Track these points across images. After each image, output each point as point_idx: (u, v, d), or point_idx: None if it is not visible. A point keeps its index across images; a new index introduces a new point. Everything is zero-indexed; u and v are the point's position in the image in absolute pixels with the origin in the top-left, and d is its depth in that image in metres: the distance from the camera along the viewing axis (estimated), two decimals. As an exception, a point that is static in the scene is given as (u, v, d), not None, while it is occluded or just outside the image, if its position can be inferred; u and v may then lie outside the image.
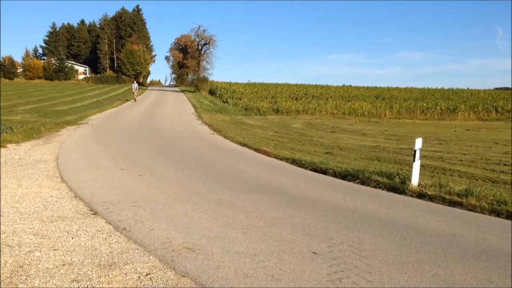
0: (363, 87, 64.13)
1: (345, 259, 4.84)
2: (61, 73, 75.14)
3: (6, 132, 14.13)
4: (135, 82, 43.98)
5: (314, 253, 5.02)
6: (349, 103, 42.57)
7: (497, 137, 24.07)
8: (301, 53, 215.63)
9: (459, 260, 4.91)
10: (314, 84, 66.69)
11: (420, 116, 39.17)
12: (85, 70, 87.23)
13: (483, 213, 7.15)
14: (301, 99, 45.48)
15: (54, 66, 76.24)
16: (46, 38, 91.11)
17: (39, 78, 73.36)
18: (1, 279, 3.91)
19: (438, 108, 40.36)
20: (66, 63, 78.24)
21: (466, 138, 22.95)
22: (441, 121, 37.27)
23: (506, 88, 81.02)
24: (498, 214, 7.06)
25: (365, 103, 42.29)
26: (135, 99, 39.27)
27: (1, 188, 7.38)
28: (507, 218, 6.91)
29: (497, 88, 79.75)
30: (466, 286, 4.20)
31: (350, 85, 67.11)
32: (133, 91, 40.51)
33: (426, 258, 4.95)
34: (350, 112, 39.08)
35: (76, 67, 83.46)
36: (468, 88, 65.53)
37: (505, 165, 13.60)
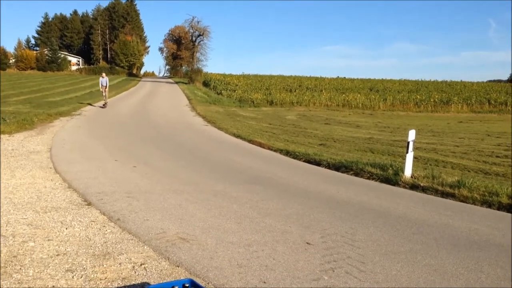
0: (357, 79, 64.15)
1: (338, 249, 4.87)
2: (54, 64, 74.60)
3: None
4: (104, 75, 25.31)
5: (307, 243, 5.05)
6: (343, 95, 42.60)
7: (489, 129, 24.22)
8: (296, 44, 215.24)
9: (450, 250, 4.96)
10: (308, 76, 66.64)
11: (414, 108, 39.29)
12: (78, 61, 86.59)
13: (475, 204, 7.21)
14: (295, 91, 45.46)
15: (47, 57, 75.65)
16: (39, 28, 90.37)
17: (32, 69, 72.81)
18: (-5, 269, 3.91)
19: (431, 100, 40.50)
20: (59, 54, 77.61)
21: (459, 130, 23.07)
22: (435, 113, 37.42)
23: (499, 81, 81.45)
24: (489, 205, 7.13)
25: (359, 95, 42.34)
26: (105, 103, 24.34)
27: (-6, 178, 7.36)
28: (498, 209, 6.98)
29: (490, 81, 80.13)
30: (457, 276, 4.24)
31: (344, 77, 67.13)
32: (101, 89, 24.48)
33: (418, 248, 5.00)
34: (344, 104, 39.11)
35: (69, 58, 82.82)
36: (461, 80, 65.79)
37: (497, 156, 13.70)
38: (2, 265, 4.00)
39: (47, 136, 12.89)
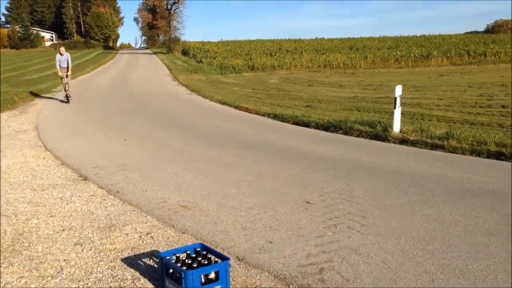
0: (337, 39, 63.88)
1: (338, 206, 4.98)
2: (27, 41, 72.52)
3: (-21, 104, 13.74)
4: (62, 50, 15.47)
5: (307, 202, 5.14)
6: (324, 55, 42.44)
7: (470, 80, 24.48)
8: (272, 6, 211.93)
9: (446, 199, 5.10)
10: (287, 38, 66.08)
11: (395, 64, 39.38)
12: (52, 36, 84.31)
13: (464, 154, 7.39)
14: (275, 55, 45.15)
15: (19, 34, 73.46)
16: (8, 5, 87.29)
17: (5, 47, 70.73)
18: (4, 247, 3.93)
19: (411, 55, 40.59)
20: (31, 30, 75.37)
21: (441, 84, 23.27)
22: (415, 68, 37.57)
23: (477, 32, 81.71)
24: (479, 154, 7.30)
25: (339, 55, 42.23)
26: (68, 95, 15.33)
27: (-15, 160, 7.28)
28: (487, 157, 7.17)
29: (467, 32, 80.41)
30: (455, 223, 4.39)
31: (323, 38, 66.74)
32: (60, 73, 15.21)
33: (415, 200, 5.13)
34: (325, 64, 39.00)
35: (42, 33, 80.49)
36: (440, 34, 65.87)
37: (480, 107, 13.92)
38: (10, 243, 4.01)
39: (31, 115, 12.69)
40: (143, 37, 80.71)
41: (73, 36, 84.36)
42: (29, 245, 3.99)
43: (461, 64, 38.82)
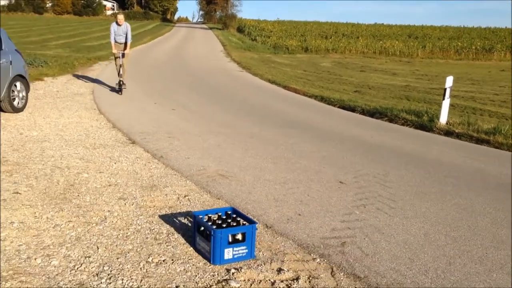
0: (396, 25, 62.09)
1: (370, 188, 5.10)
2: (89, 9, 74.88)
3: (41, 66, 14.54)
4: (120, 18, 11.08)
5: (340, 182, 5.29)
6: (380, 42, 41.49)
7: (532, 78, 23.41)
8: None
9: (480, 192, 5.12)
10: (344, 22, 64.91)
11: (454, 56, 38.03)
12: (113, 6, 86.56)
13: (509, 151, 7.25)
14: (331, 38, 44.54)
15: (83, 1, 75.92)
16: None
17: (68, 13, 73.35)
18: (56, 195, 4.33)
19: (473, 47, 39.03)
20: (94, -2, 77.75)
21: (500, 79, 22.40)
22: (476, 61, 36.17)
23: (548, 28, 77.13)
24: (524, 152, 7.16)
25: (396, 42, 41.16)
26: (120, 84, 11.03)
27: (45, 117, 7.81)
28: (533, 156, 7.01)
29: (537, 28, 76.00)
30: (484, 214, 4.43)
31: (382, 24, 65.06)
32: (116, 49, 11.10)
33: (448, 190, 5.17)
34: (381, 51, 38.17)
35: (104, 2, 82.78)
36: (506, 27, 62.74)
37: (537, 106, 13.40)
38: (61, 192, 4.42)
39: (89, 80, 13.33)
40: (201, 12, 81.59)
41: (133, 7, 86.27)
42: (78, 195, 4.38)
43: (525, 60, 36.98)
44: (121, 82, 10.99)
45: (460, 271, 3.30)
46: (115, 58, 11.34)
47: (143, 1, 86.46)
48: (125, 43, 11.10)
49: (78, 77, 13.75)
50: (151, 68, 17.88)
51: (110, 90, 11.41)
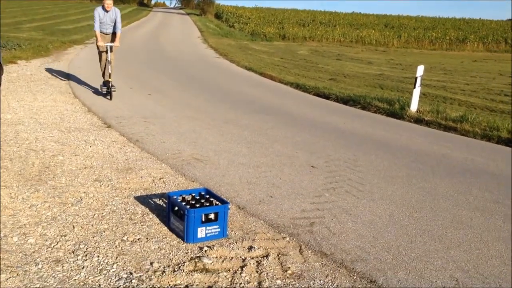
0: (373, 14, 62.61)
1: (340, 173, 5.28)
2: (63, -9, 73.18)
3: (15, 49, 14.30)
4: (108, 2, 8.35)
5: (312, 166, 5.46)
6: (357, 30, 41.84)
7: (503, 68, 24.00)
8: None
9: (445, 176, 5.35)
10: (322, 10, 65.10)
11: (428, 46, 38.60)
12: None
13: (475, 138, 7.54)
14: (308, 26, 44.69)
15: (57, -16, 74.13)
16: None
17: (42, -4, 71.54)
18: (31, 177, 4.38)
19: (447, 38, 39.70)
20: (69, -19, 75.91)
21: (472, 69, 22.93)
22: (449, 52, 36.82)
23: (520, 20, 78.86)
24: (489, 139, 7.46)
25: (373, 31, 41.55)
26: (109, 85, 8.57)
27: (19, 100, 7.76)
28: (497, 143, 7.32)
29: (510, 19, 77.67)
30: (447, 197, 4.66)
31: (360, 13, 65.52)
32: (101, 40, 8.56)
33: (414, 174, 5.39)
34: (357, 40, 38.49)
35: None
36: (480, 18, 63.92)
37: (505, 95, 13.84)
38: (37, 173, 4.47)
39: (63, 63, 13.17)
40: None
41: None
42: (53, 177, 4.44)
43: (497, 51, 37.82)
44: (110, 85, 8.49)
45: (420, 248, 3.51)
46: (99, 52, 8.81)
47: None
48: (113, 34, 8.77)
49: (52, 60, 13.58)
50: (126, 54, 17.73)
51: (86, 74, 11.31)
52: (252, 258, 3.21)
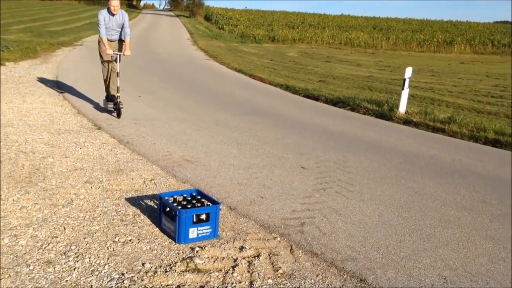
0: (361, 17, 63.03)
1: (330, 174, 5.33)
2: (51, -7, 72.69)
3: (2, 51, 14.19)
4: (114, 2, 7.20)
5: (302, 167, 5.50)
6: (346, 33, 42.08)
7: (490, 70, 24.29)
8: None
9: (433, 177, 5.42)
10: (311, 12, 65.41)
11: (417, 48, 38.93)
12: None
13: (462, 139, 7.64)
14: (297, 28, 44.85)
15: (44, -15, 73.61)
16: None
17: (29, -3, 70.97)
18: (21, 178, 4.36)
19: (434, 40, 40.07)
20: (57, -18, 75.41)
21: (459, 71, 23.17)
22: (437, 54, 37.16)
23: (506, 22, 79.89)
24: (476, 140, 7.56)
25: (362, 34, 41.80)
26: (116, 102, 7.51)
27: (7, 102, 7.71)
28: (484, 143, 7.42)
29: (497, 22, 78.64)
30: (435, 197, 4.72)
31: (349, 15, 65.90)
32: (108, 49, 7.36)
33: (403, 175, 5.46)
34: (346, 42, 38.70)
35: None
36: (467, 20, 64.63)
37: (492, 97, 14.02)
38: (27, 175, 4.45)
39: (52, 65, 13.10)
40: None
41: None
42: (44, 179, 4.43)
43: (484, 53, 38.25)
44: (117, 101, 7.45)
45: (409, 247, 3.56)
46: (103, 62, 7.67)
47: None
48: (120, 40, 7.71)
49: (41, 62, 13.50)
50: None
51: (75, 75, 11.25)
52: (244, 258, 3.23)
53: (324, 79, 16.16)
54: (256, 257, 3.26)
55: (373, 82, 16.49)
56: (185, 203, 3.55)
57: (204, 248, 3.34)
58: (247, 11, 60.16)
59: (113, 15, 7.31)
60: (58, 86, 9.90)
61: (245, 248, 3.38)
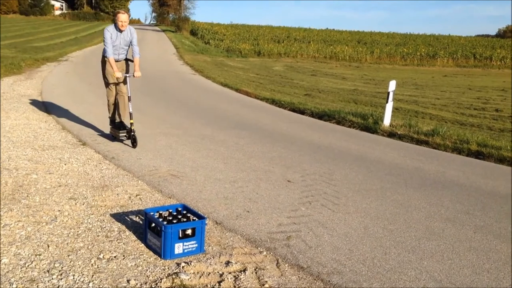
0: (346, 31, 63.84)
1: (316, 187, 5.35)
2: (36, 8, 72.51)
3: (-14, 67, 14.08)
4: (123, 17, 6.54)
5: (288, 181, 5.51)
6: (331, 47, 42.59)
7: (472, 83, 24.73)
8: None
9: (417, 189, 5.48)
10: (296, 27, 66.05)
11: (400, 61, 39.55)
12: (62, 6, 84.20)
13: (446, 151, 7.73)
14: (283, 42, 45.28)
15: (30, 1, 73.42)
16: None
17: (14, 12, 70.73)
18: (4, 196, 4.31)
19: (418, 54, 40.71)
20: (42, -2, 75.28)
21: (442, 84, 23.55)
22: (420, 67, 37.76)
23: (487, 35, 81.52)
24: (459, 152, 7.65)
25: (346, 48, 42.35)
26: (131, 134, 6.62)
27: (-10, 119, 7.65)
28: (467, 155, 7.51)
29: (478, 35, 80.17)
30: (420, 209, 4.76)
31: (333, 29, 66.68)
32: (116, 72, 6.53)
33: (388, 187, 5.50)
34: (331, 56, 39.19)
35: (52, 2, 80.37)
36: (449, 34, 65.83)
37: (475, 109, 14.25)
38: (10, 193, 4.40)
39: (36, 81, 13.03)
40: (153, 14, 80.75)
41: (83, 7, 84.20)
42: (27, 196, 4.38)
43: (466, 66, 38.98)
44: (132, 133, 6.61)
45: (394, 259, 3.58)
46: (108, 84, 6.92)
47: (93, 2, 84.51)
48: (126, 60, 7.05)
49: (25, 78, 13.41)
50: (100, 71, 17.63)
51: (60, 92, 11.19)
52: (230, 273, 3.22)
53: (310, 93, 16.29)
54: (242, 272, 3.25)
55: (358, 95, 16.67)
56: (170, 218, 3.54)
57: (190, 263, 3.32)
58: (232, 25, 60.59)
59: (121, 31, 6.63)
60: (46, 107, 9.83)
61: (231, 262, 3.37)
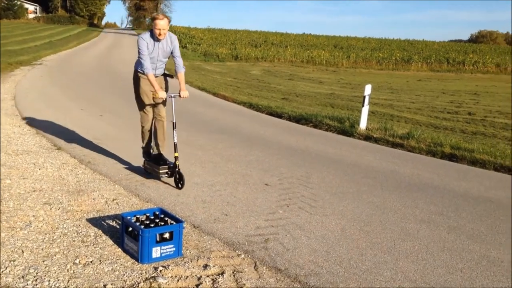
0: (323, 36, 64.40)
1: (294, 190, 5.39)
2: (9, 11, 71.09)
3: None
4: (162, 23, 5.13)
5: (266, 184, 5.54)
6: (308, 51, 42.90)
7: (445, 87, 25.21)
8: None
9: (393, 191, 5.56)
10: (274, 31, 66.35)
11: (376, 66, 40.04)
12: (35, 9, 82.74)
13: (420, 154, 7.87)
14: (260, 46, 45.42)
15: (2, 4, 71.97)
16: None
17: (-14, 16, 69.26)
18: (-23, 202, 4.23)
19: (393, 58, 41.32)
20: (15, 1, 73.88)
21: (417, 88, 23.94)
22: (396, 72, 38.29)
23: (460, 41, 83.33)
24: (434, 154, 7.80)
25: (323, 52, 42.71)
26: (177, 174, 5.13)
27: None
28: (441, 158, 7.66)
29: (451, 40, 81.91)
30: (395, 211, 4.84)
31: (310, 34, 67.20)
32: (158, 93, 5.22)
33: (364, 189, 5.57)
34: (308, 60, 39.45)
35: (26, 5, 78.93)
36: (423, 39, 67.07)
37: (448, 112, 14.54)
38: (-17, 198, 4.32)
39: (9, 85, 12.80)
40: (129, 18, 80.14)
41: (58, 11, 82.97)
42: (1, 201, 4.30)
43: (439, 71, 39.71)
44: (175, 163, 5.21)
45: (370, 260, 3.63)
46: (144, 106, 5.70)
47: (68, 5, 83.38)
48: (164, 75, 5.86)
49: (-3, 82, 13.15)
50: (77, 74, 17.42)
51: (33, 96, 11.00)
52: (208, 276, 3.22)
53: (287, 97, 16.39)
54: (220, 275, 3.25)
55: (335, 99, 16.83)
56: (148, 222, 3.53)
57: (168, 267, 3.31)
58: (210, 30, 60.51)
59: (159, 40, 5.32)
60: (19, 111, 9.66)
61: (209, 266, 3.37)
